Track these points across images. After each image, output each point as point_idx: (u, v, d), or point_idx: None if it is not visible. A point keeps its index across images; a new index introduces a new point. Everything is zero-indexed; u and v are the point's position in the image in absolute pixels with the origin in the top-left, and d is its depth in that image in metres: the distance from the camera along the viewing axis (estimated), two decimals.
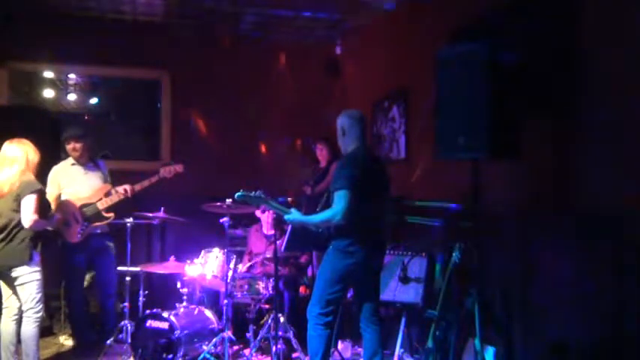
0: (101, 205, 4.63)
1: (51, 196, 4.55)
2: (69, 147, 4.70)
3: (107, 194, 4.69)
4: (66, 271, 4.73)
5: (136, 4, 5.76)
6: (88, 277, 5.02)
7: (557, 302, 3.25)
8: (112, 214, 4.66)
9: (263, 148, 6.83)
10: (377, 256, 3.68)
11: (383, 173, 3.74)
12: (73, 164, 4.73)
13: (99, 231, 4.66)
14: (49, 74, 6.50)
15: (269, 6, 5.75)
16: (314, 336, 3.55)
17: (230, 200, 4.40)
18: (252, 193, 3.59)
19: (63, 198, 4.64)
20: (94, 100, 6.78)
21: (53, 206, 4.52)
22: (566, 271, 3.17)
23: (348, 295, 3.88)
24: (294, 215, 3.62)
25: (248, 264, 5.05)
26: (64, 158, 4.81)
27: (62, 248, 4.61)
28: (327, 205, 3.62)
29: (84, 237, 4.56)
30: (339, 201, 3.40)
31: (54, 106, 6.45)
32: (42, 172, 4.16)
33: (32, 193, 3.83)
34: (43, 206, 3.94)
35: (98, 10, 5.91)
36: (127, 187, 4.69)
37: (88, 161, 4.78)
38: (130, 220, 4.58)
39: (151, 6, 5.82)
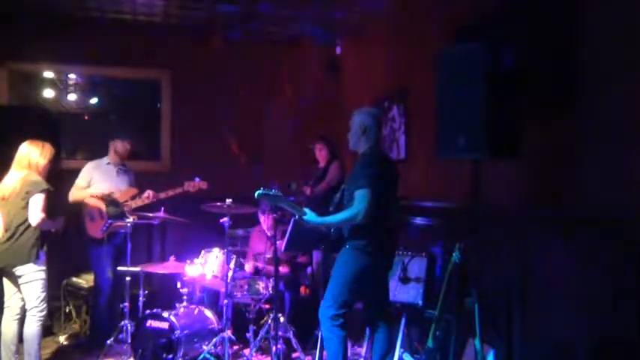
0: (126, 207, 4.83)
1: (78, 187, 4.88)
2: (119, 148, 4.96)
3: (132, 197, 4.91)
4: (93, 266, 4.93)
5: (136, 4, 5.75)
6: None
7: (557, 302, 3.24)
8: (134, 217, 4.73)
9: (263, 148, 6.82)
10: (390, 256, 3.70)
11: (396, 174, 3.76)
12: (108, 163, 5.01)
13: (122, 231, 4.73)
14: (49, 74, 6.50)
15: (269, 6, 5.74)
16: (332, 338, 3.47)
17: (230, 201, 4.41)
18: (271, 192, 3.57)
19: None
20: (94, 100, 6.77)
21: (75, 197, 4.79)
22: (567, 271, 3.17)
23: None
24: (310, 216, 3.58)
25: (252, 262, 5.04)
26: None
27: (89, 244, 4.81)
28: (341, 203, 3.62)
29: (106, 234, 4.71)
30: (362, 200, 3.38)
31: (54, 106, 6.44)
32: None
33: (41, 192, 3.91)
34: (49, 206, 3.98)
35: (98, 10, 5.90)
36: (151, 193, 4.92)
37: (120, 163, 5.03)
38: (130, 219, 4.59)
39: (150, 6, 5.82)
